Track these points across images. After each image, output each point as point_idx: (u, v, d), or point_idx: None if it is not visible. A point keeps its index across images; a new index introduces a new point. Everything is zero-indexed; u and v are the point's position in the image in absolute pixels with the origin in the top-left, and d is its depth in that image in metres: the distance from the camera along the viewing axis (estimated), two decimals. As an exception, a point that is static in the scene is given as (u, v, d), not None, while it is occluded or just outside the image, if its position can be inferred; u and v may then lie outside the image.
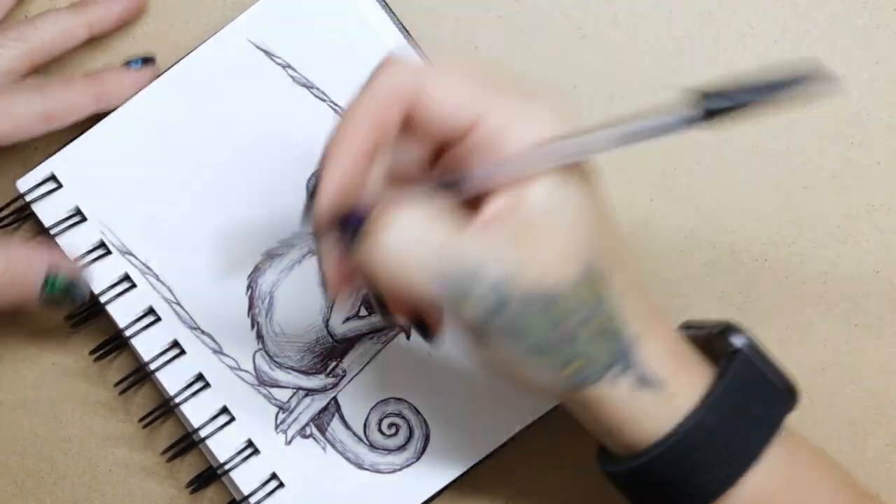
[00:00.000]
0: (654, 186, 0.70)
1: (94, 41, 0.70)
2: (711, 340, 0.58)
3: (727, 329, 0.58)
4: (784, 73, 0.45)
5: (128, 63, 0.68)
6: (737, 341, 0.57)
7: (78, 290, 0.67)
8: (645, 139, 0.50)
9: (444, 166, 0.55)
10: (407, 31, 0.68)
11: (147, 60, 0.69)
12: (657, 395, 0.55)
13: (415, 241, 0.52)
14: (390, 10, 0.68)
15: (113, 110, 0.68)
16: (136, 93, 0.68)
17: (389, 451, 0.68)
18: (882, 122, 0.70)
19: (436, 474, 0.68)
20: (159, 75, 0.69)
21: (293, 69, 0.68)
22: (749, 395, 0.55)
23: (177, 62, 0.69)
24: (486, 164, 0.52)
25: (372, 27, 0.68)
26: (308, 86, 0.68)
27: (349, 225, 0.53)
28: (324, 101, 0.68)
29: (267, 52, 0.68)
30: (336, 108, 0.68)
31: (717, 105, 0.47)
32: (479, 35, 0.70)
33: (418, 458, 0.68)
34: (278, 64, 0.68)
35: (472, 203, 0.53)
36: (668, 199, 0.70)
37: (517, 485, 0.71)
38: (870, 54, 0.70)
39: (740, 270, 0.70)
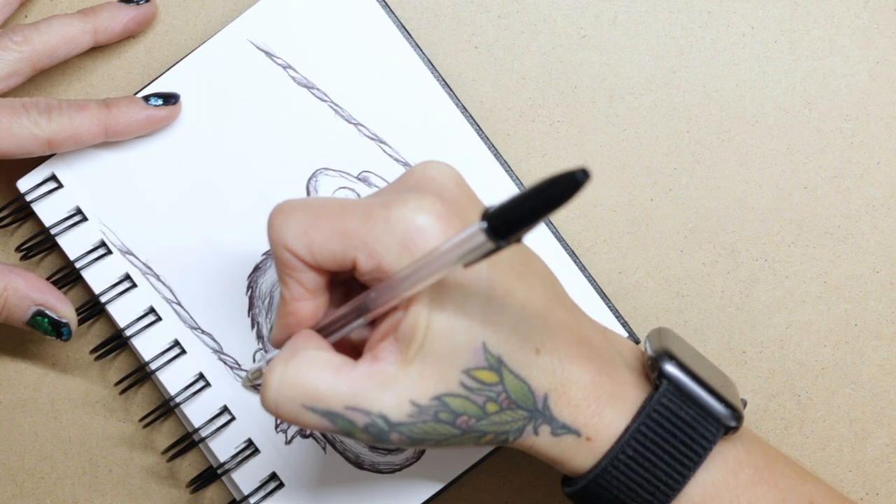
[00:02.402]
0: (654, 186, 0.70)
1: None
2: (651, 366, 0.60)
3: (655, 359, 0.60)
4: (548, 181, 0.46)
5: (146, 98, 0.68)
6: (667, 368, 0.59)
7: (65, 330, 0.67)
8: (448, 267, 0.51)
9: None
10: (407, 31, 0.68)
11: (168, 99, 0.68)
12: (577, 439, 0.58)
13: (298, 386, 0.54)
14: (390, 10, 0.68)
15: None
16: (148, 131, 0.68)
17: (389, 451, 0.68)
18: (882, 122, 0.70)
19: (435, 474, 0.68)
20: (159, 76, 0.69)
21: (294, 69, 0.68)
22: (670, 429, 0.58)
23: (177, 62, 0.69)
24: (371, 296, 0.55)
25: (372, 27, 0.68)
26: (308, 86, 0.68)
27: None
28: (324, 101, 0.68)
29: (267, 53, 0.68)
30: (337, 108, 0.68)
31: (501, 225, 0.48)
32: (479, 35, 0.70)
33: (418, 458, 0.68)
34: (279, 64, 0.68)
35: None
36: (668, 199, 0.70)
37: (517, 485, 0.71)
38: (870, 54, 0.70)
39: (740, 270, 0.70)
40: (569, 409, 0.58)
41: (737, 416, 0.59)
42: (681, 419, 0.58)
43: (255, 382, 0.63)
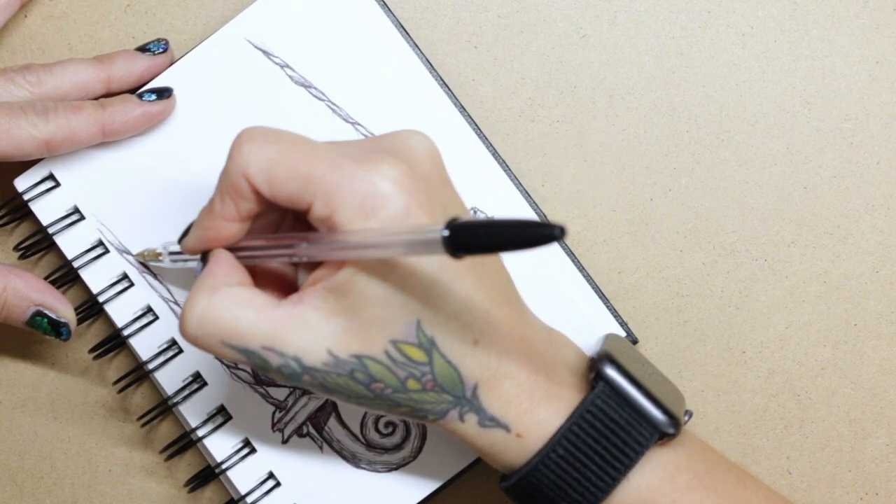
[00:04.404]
0: (654, 186, 0.70)
1: (94, 45, 0.70)
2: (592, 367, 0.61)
3: (595, 361, 0.60)
4: (524, 222, 0.46)
5: (140, 94, 0.67)
6: (605, 370, 0.59)
7: (64, 330, 0.67)
8: (399, 255, 0.52)
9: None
10: (405, 31, 0.68)
11: (162, 93, 0.68)
12: (507, 434, 0.59)
13: (218, 323, 0.56)
14: (389, 9, 0.68)
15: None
16: (145, 128, 0.68)
17: (386, 449, 0.68)
18: (882, 122, 0.70)
19: (433, 473, 0.68)
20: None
21: (291, 68, 0.68)
22: (602, 432, 0.58)
23: (175, 62, 0.69)
24: (310, 241, 0.55)
25: (370, 27, 0.68)
26: (306, 85, 0.68)
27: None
28: (322, 100, 0.68)
29: (265, 52, 0.68)
30: (334, 107, 0.68)
31: (461, 239, 0.48)
32: (479, 35, 0.70)
33: (415, 458, 0.68)
34: (276, 63, 0.68)
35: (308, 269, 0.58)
36: (668, 199, 0.70)
37: (516, 485, 0.71)
38: (870, 54, 0.70)
39: (740, 270, 0.70)
40: (499, 403, 0.58)
41: (674, 422, 0.59)
42: (614, 422, 0.58)
43: (145, 261, 0.66)
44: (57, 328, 0.67)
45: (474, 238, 0.47)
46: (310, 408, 0.68)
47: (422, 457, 0.68)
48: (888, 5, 0.70)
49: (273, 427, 0.68)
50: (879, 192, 0.70)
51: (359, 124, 0.68)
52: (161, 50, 0.69)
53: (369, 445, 0.68)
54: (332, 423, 0.68)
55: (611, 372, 0.59)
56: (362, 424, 0.68)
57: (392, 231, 0.51)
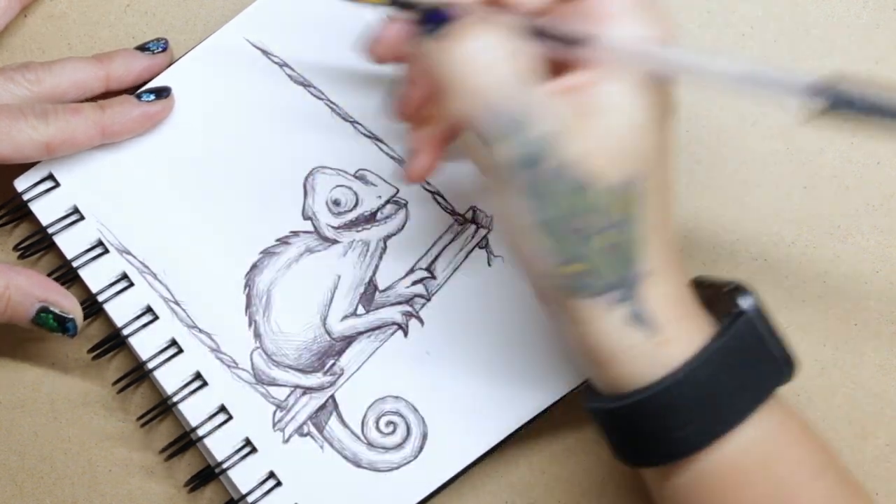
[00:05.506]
0: (653, 186, 0.70)
1: (94, 45, 0.71)
2: (719, 298, 0.58)
3: (735, 289, 0.57)
4: None
5: (138, 95, 0.68)
6: (743, 303, 0.56)
7: (70, 325, 0.67)
8: (750, 90, 0.50)
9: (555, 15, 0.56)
10: (405, 31, 0.68)
11: (160, 93, 0.68)
12: (648, 338, 0.55)
13: (490, 62, 0.52)
14: (389, 9, 0.68)
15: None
16: (145, 128, 0.68)
17: (387, 449, 0.68)
18: (882, 122, 0.70)
19: (434, 473, 0.68)
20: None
21: (290, 68, 0.68)
22: (744, 360, 0.55)
23: (175, 61, 0.69)
24: (591, 38, 0.53)
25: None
26: (305, 84, 0.68)
27: (435, 18, 0.54)
28: (321, 99, 0.68)
29: (264, 51, 0.68)
30: (333, 106, 0.68)
31: (840, 104, 0.47)
32: (479, 35, 0.70)
33: (416, 457, 0.68)
34: (275, 63, 0.68)
35: (556, 68, 0.55)
36: (668, 199, 0.70)
37: (516, 484, 0.71)
38: (870, 54, 0.70)
39: (740, 270, 0.70)
40: (658, 301, 0.55)
41: (794, 370, 0.57)
42: (754, 352, 0.56)
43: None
44: (63, 324, 0.67)
45: (863, 100, 0.46)
46: (310, 407, 0.68)
47: (422, 457, 0.68)
48: (888, 5, 0.70)
49: (274, 427, 0.68)
50: (879, 192, 0.70)
51: (358, 123, 0.68)
52: (160, 49, 0.69)
53: (370, 445, 0.68)
54: (333, 422, 0.68)
55: (750, 303, 0.56)
56: (363, 424, 0.68)
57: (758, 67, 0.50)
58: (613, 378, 0.56)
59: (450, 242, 0.69)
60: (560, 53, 0.54)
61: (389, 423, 0.68)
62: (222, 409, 0.68)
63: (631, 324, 0.55)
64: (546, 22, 0.55)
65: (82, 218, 0.68)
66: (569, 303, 0.55)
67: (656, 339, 0.55)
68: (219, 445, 0.68)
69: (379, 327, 0.68)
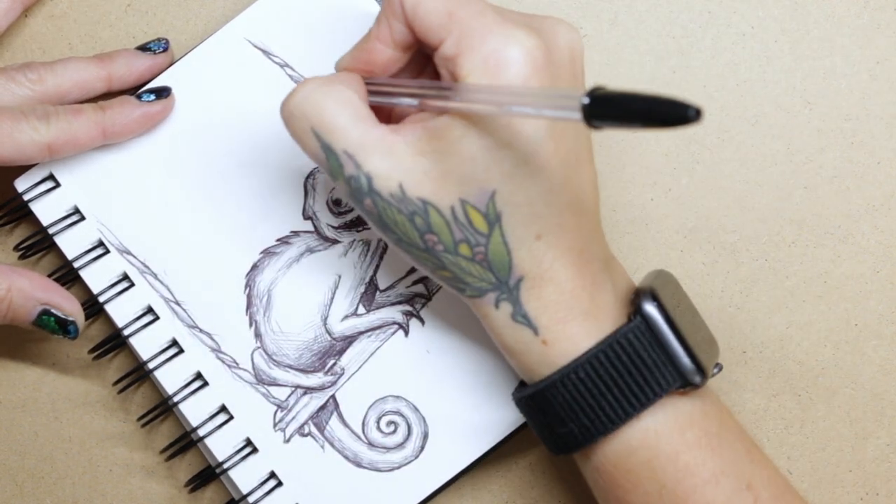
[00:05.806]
0: (654, 186, 0.70)
1: (94, 45, 0.70)
2: (633, 303, 0.60)
3: (637, 295, 0.59)
4: (663, 99, 0.45)
5: (139, 95, 0.68)
6: (645, 307, 0.58)
7: (71, 328, 0.67)
8: (533, 115, 0.53)
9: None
10: (406, 31, 0.68)
11: (160, 93, 0.68)
12: (534, 337, 0.59)
13: (318, 109, 0.57)
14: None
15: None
16: (146, 128, 0.68)
17: (388, 449, 0.68)
18: (882, 122, 0.70)
19: (434, 472, 0.68)
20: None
21: (291, 68, 0.68)
22: (631, 364, 0.58)
23: (175, 61, 0.69)
24: (436, 88, 0.56)
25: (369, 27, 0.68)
26: (306, 84, 0.68)
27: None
28: (322, 99, 0.68)
29: (265, 52, 0.68)
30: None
31: (599, 108, 0.48)
32: (479, 35, 0.70)
33: (417, 457, 0.68)
34: (276, 63, 0.68)
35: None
36: (668, 199, 0.70)
37: (517, 484, 0.71)
38: (870, 54, 0.70)
39: (740, 270, 0.70)
40: (537, 304, 0.58)
41: (701, 373, 0.58)
42: (641, 359, 0.58)
43: None
44: (64, 326, 0.67)
45: (616, 106, 0.47)
46: (311, 407, 0.68)
47: (423, 456, 0.68)
48: (888, 5, 0.70)
49: (274, 427, 0.68)
50: (880, 192, 0.70)
51: (359, 124, 0.68)
52: (161, 49, 0.69)
53: (371, 445, 0.68)
54: (334, 422, 0.68)
55: (650, 308, 0.58)
56: (364, 424, 0.68)
57: (531, 90, 0.52)
58: (518, 370, 0.61)
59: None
60: (387, 103, 0.59)
61: (390, 422, 0.68)
62: (223, 409, 0.68)
63: (520, 322, 0.59)
64: (379, 79, 0.60)
65: (83, 218, 0.68)
66: (467, 300, 0.60)
67: (540, 338, 0.59)
68: (219, 445, 0.68)
69: (379, 327, 0.68)
